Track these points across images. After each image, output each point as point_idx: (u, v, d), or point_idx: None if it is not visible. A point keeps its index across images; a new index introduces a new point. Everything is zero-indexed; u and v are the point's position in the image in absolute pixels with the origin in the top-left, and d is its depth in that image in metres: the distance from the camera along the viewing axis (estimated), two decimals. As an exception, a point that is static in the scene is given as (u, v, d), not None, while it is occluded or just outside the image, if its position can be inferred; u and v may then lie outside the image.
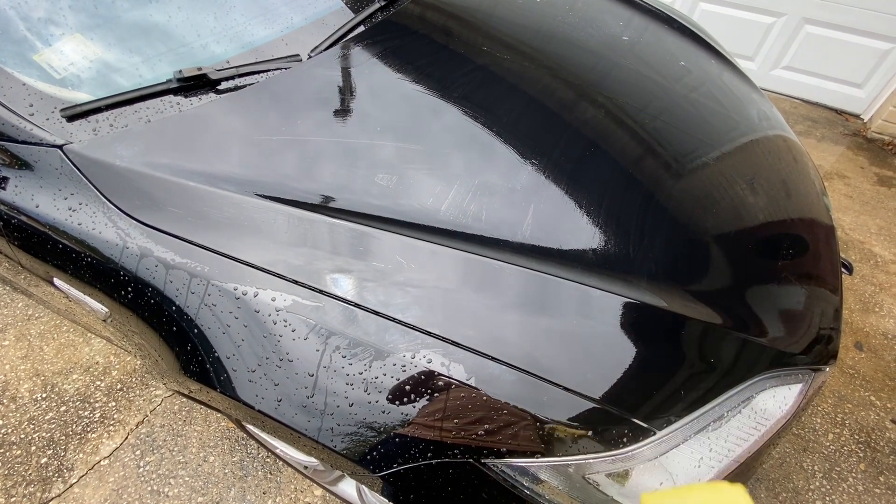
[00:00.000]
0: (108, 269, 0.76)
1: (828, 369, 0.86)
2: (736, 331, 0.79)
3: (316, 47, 1.05)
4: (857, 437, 1.51)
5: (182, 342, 0.72)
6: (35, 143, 0.80)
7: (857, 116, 3.03)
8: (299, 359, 0.65)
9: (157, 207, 0.75)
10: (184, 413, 1.50)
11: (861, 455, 1.47)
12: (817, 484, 1.40)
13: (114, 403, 1.52)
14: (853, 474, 1.42)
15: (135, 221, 0.75)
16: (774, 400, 0.76)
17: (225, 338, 0.69)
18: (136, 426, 1.47)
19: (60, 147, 0.80)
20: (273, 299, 0.68)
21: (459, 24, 1.24)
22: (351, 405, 0.64)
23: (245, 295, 0.69)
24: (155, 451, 1.41)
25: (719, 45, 1.55)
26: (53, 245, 0.81)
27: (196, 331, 0.70)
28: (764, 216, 0.98)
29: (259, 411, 0.66)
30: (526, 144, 0.92)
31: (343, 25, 1.12)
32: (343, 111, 0.93)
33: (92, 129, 0.82)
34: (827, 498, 1.37)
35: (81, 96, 0.87)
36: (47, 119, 0.82)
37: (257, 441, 1.20)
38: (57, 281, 0.87)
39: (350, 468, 0.67)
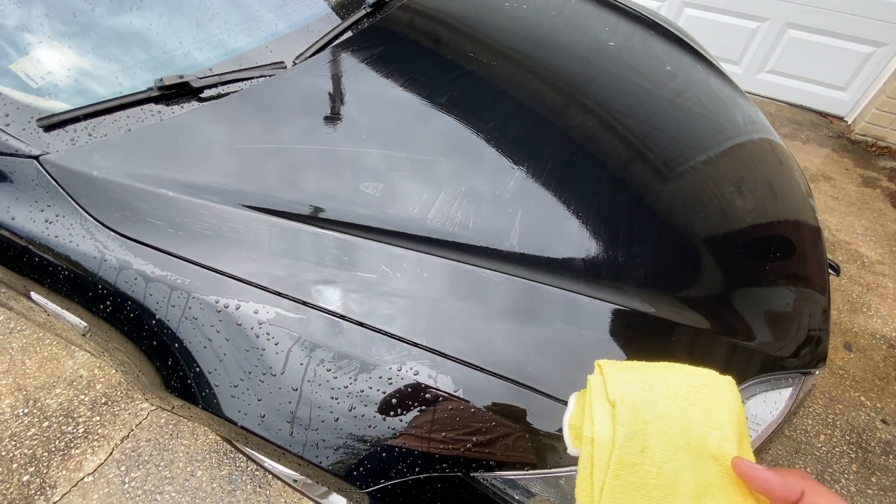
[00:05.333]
0: (86, 283, 0.74)
1: (817, 372, 0.86)
2: (725, 335, 0.78)
3: (301, 54, 1.04)
4: (848, 437, 1.52)
5: (163, 357, 0.70)
6: (10, 154, 0.78)
7: (840, 119, 3.07)
8: (283, 373, 0.64)
9: (137, 219, 0.74)
10: (170, 427, 1.47)
11: (853, 456, 1.47)
12: (810, 486, 1.40)
13: (98, 418, 1.48)
14: (846, 475, 1.43)
15: (113, 233, 0.73)
16: (765, 405, 0.76)
17: (206, 352, 0.67)
18: (121, 441, 1.43)
19: (37, 158, 0.78)
20: (256, 312, 0.66)
21: (447, 31, 1.24)
22: (336, 420, 0.62)
23: (227, 308, 0.67)
24: (140, 467, 1.38)
25: (704, 49, 1.56)
26: (30, 258, 0.78)
27: (177, 345, 0.69)
28: (751, 219, 0.99)
29: (242, 427, 0.64)
30: (513, 151, 0.92)
31: (329, 32, 1.11)
32: (328, 119, 0.92)
33: (70, 139, 0.80)
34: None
35: (59, 105, 0.85)
36: (23, 129, 0.80)
37: (245, 455, 1.17)
38: (34, 295, 0.84)
39: (337, 484, 0.65)
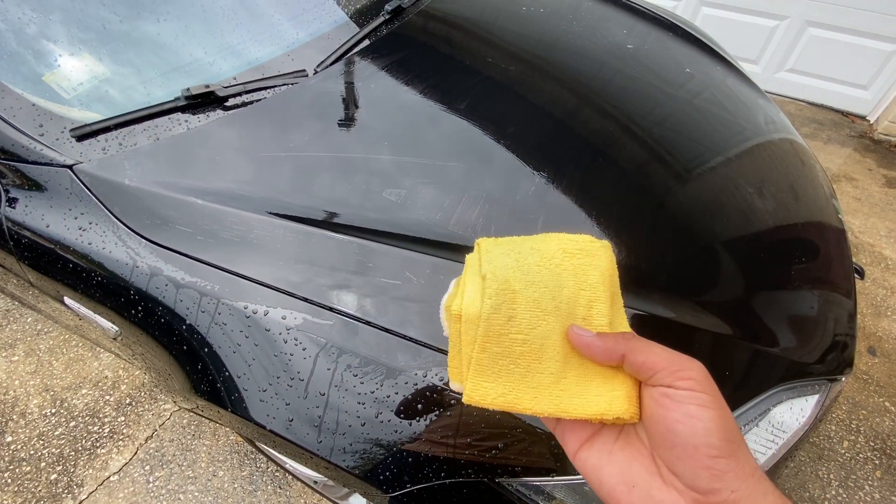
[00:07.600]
0: (118, 288, 0.76)
1: (844, 379, 0.85)
2: (748, 341, 0.78)
3: (322, 62, 1.06)
4: (872, 444, 1.49)
5: (192, 361, 0.72)
6: (45, 164, 0.81)
7: (863, 118, 3.01)
8: (310, 378, 0.65)
9: (167, 226, 0.76)
10: (193, 427, 1.49)
11: (877, 462, 1.44)
12: (833, 493, 1.38)
13: (123, 418, 1.52)
14: (869, 482, 1.40)
15: (144, 240, 0.75)
16: (791, 412, 0.75)
17: (235, 357, 0.68)
18: (146, 441, 1.47)
19: (70, 167, 0.80)
20: (283, 317, 0.68)
21: (464, 36, 1.24)
22: (363, 424, 0.63)
23: (255, 313, 0.69)
24: (164, 466, 1.41)
25: (723, 49, 1.54)
26: (64, 264, 0.81)
27: (206, 350, 0.70)
28: (773, 221, 0.97)
29: (270, 431, 0.66)
30: (533, 156, 0.92)
31: (349, 40, 1.12)
32: (350, 125, 0.93)
33: (101, 149, 0.83)
34: (844, 507, 1.35)
35: (91, 116, 0.87)
36: (57, 139, 0.83)
37: (266, 456, 1.19)
38: (67, 299, 0.87)
39: (362, 488, 0.66)
